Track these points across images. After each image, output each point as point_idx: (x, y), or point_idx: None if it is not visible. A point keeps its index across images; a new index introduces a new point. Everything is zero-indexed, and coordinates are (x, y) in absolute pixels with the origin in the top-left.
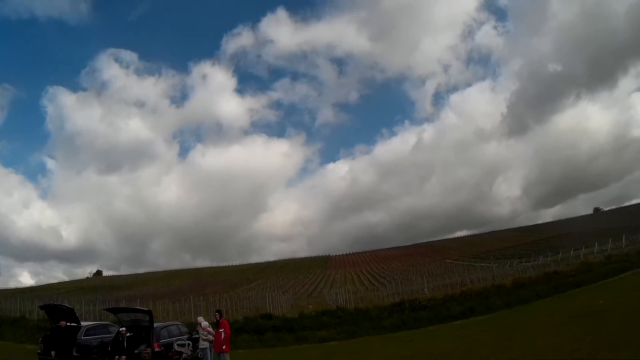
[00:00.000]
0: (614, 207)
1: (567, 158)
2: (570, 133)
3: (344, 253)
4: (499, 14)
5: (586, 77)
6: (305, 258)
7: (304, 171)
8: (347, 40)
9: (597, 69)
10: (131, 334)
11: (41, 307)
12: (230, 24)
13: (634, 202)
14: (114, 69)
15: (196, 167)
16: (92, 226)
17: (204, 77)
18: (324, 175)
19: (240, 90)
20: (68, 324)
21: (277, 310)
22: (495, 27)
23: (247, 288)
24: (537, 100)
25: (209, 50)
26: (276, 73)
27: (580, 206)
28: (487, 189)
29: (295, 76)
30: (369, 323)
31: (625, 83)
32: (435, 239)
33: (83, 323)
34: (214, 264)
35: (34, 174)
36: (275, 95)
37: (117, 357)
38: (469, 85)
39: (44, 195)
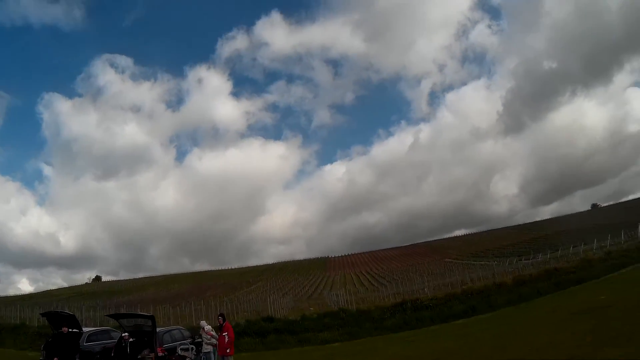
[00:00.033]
0: (611, 202)
1: (563, 155)
2: (566, 130)
3: (343, 254)
4: (493, 13)
5: (581, 73)
6: (304, 260)
7: (301, 173)
8: (342, 41)
9: (592, 65)
10: (134, 339)
11: (43, 315)
12: (225, 27)
13: (631, 197)
14: (110, 75)
15: (193, 171)
16: (90, 232)
17: (199, 81)
18: (321, 176)
19: (236, 94)
20: (70, 330)
21: (278, 312)
22: (489, 26)
23: (247, 291)
24: (533, 98)
25: (204, 54)
26: (271, 76)
27: (577, 203)
28: (484, 188)
29: (290, 78)
30: (371, 324)
31: (621, 79)
32: (433, 239)
33: (85, 329)
34: (213, 268)
35: (31, 181)
36: (271, 97)
37: None
38: (464, 84)
39: (42, 202)
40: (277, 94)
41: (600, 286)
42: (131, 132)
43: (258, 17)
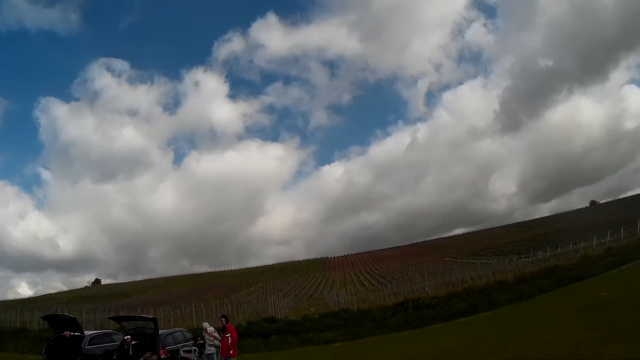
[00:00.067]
0: (610, 199)
1: (561, 153)
2: (563, 127)
3: (342, 254)
4: (489, 12)
5: (577, 71)
6: (304, 261)
7: (299, 174)
8: (338, 42)
9: (588, 62)
10: (136, 341)
11: (44, 318)
12: (221, 30)
13: (629, 194)
14: (106, 78)
15: (191, 173)
16: (89, 235)
17: (196, 83)
18: (320, 177)
19: (232, 96)
20: (72, 333)
21: (279, 313)
22: (485, 25)
23: (247, 292)
24: (529, 96)
25: (201, 56)
26: (268, 77)
27: (576, 200)
28: (482, 186)
29: (287, 80)
30: (373, 323)
31: (617, 76)
32: (432, 238)
33: (86, 332)
34: (213, 269)
35: (29, 185)
36: (268, 99)
37: None
38: (460, 83)
39: (40, 205)
40: (274, 95)
41: (601, 283)
42: (129, 136)
43: (254, 19)
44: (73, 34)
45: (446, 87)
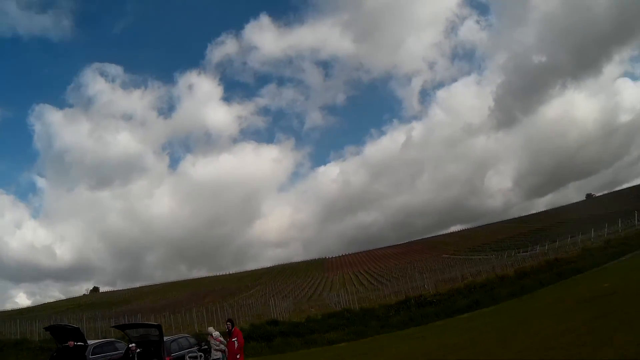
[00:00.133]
0: (606, 192)
1: (556, 147)
2: (558, 122)
3: (340, 254)
4: (481, 9)
5: (571, 66)
6: (302, 262)
7: (296, 175)
8: (332, 42)
9: (581, 57)
10: (141, 349)
11: (46, 329)
12: (214, 32)
13: (625, 186)
14: (100, 84)
15: (187, 177)
16: (86, 243)
17: (190, 87)
18: (316, 178)
19: (227, 99)
20: (75, 343)
21: (280, 315)
22: (477, 22)
23: (246, 295)
24: (524, 92)
25: (194, 59)
26: (262, 79)
27: (572, 194)
28: (478, 183)
29: (281, 81)
30: (376, 322)
31: (610, 70)
32: (430, 235)
33: (89, 342)
34: (211, 274)
35: (25, 193)
36: (262, 101)
37: None
38: (455, 80)
39: (36, 214)
40: (268, 97)
41: (602, 274)
42: (124, 141)
43: (247, 21)
44: (66, 39)
45: (440, 84)
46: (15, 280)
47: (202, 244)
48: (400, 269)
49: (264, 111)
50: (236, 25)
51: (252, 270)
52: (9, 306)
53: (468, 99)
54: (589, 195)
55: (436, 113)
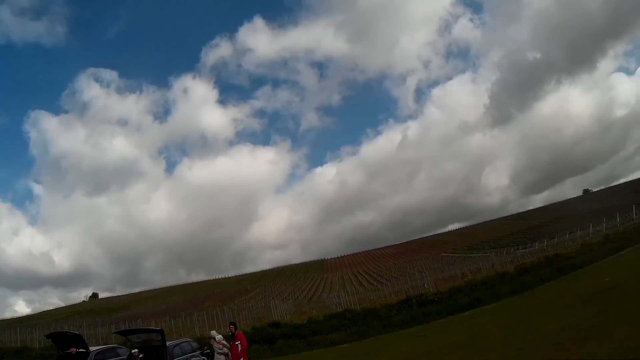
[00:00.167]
0: (602, 187)
1: (552, 143)
2: (553, 118)
3: (339, 255)
4: (474, 6)
5: (565, 61)
6: (301, 264)
7: (292, 177)
8: (326, 43)
9: (575, 53)
10: (144, 355)
11: (48, 336)
12: (208, 35)
13: (621, 181)
14: (95, 89)
15: (184, 181)
16: (84, 249)
17: (185, 90)
18: (313, 179)
19: (222, 101)
20: (78, 350)
21: (281, 317)
22: (471, 20)
23: (246, 298)
24: (519, 89)
25: (189, 63)
26: (257, 81)
27: (569, 190)
28: (475, 181)
29: (276, 83)
30: (378, 322)
31: (605, 64)
32: (428, 234)
33: (91, 348)
34: (210, 277)
35: (22, 200)
36: (257, 103)
37: None
38: (449, 79)
39: (33, 221)
40: (263, 99)
41: (602, 269)
42: (120, 146)
43: (241, 24)
44: (60, 45)
45: (435, 83)
46: (14, 287)
47: (200, 248)
48: (399, 268)
49: (260, 113)
50: (230, 28)
51: (251, 273)
52: (8, 314)
53: (463, 97)
54: (586, 191)
55: (432, 112)
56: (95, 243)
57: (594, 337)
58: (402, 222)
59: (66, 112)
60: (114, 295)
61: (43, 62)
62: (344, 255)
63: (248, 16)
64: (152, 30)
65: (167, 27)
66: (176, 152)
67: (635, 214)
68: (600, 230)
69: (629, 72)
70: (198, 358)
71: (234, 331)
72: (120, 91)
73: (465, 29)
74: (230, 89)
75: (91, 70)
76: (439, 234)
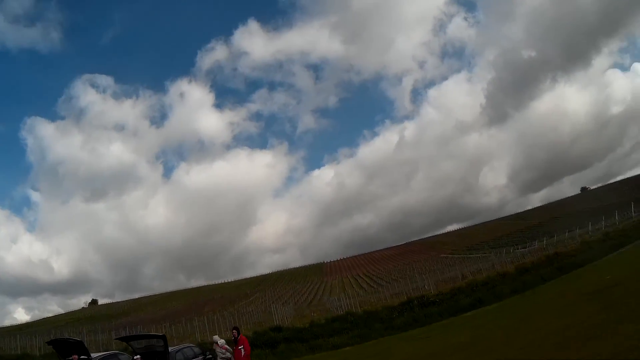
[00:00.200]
0: (600, 185)
1: (549, 142)
2: (550, 117)
3: (338, 258)
4: (468, 6)
5: (560, 59)
6: (300, 267)
7: (290, 180)
8: (321, 45)
9: (570, 50)
10: None
11: (49, 343)
12: (203, 39)
13: (619, 178)
14: (91, 95)
15: (182, 186)
16: (82, 255)
17: (181, 95)
18: (310, 182)
19: (218, 105)
20: (79, 357)
21: (282, 321)
22: (465, 19)
23: (246, 303)
24: (514, 88)
25: (184, 67)
26: (253, 84)
27: (567, 188)
28: (473, 181)
29: (272, 86)
30: (380, 324)
31: (600, 61)
32: (427, 236)
33: (92, 355)
34: (209, 282)
35: (20, 207)
36: (254, 106)
37: None
38: (445, 78)
39: (32, 228)
40: (259, 102)
41: (603, 267)
42: (117, 152)
43: (235, 27)
44: (55, 51)
45: (431, 83)
46: (13, 295)
47: (199, 253)
48: (399, 270)
49: (256, 116)
50: (225, 31)
51: (250, 278)
52: (7, 322)
53: (459, 96)
54: (583, 189)
55: (428, 112)
56: (93, 249)
57: (596, 336)
58: (400, 223)
59: (62, 118)
60: (114, 301)
61: (38, 68)
62: (343, 258)
63: (243, 19)
64: (147, 35)
65: (162, 31)
66: (173, 156)
67: (634, 211)
68: (600, 229)
69: (624, 69)
70: None
71: (237, 336)
72: (116, 96)
73: (459, 28)
74: (226, 93)
75: (87, 76)
76: (437, 235)
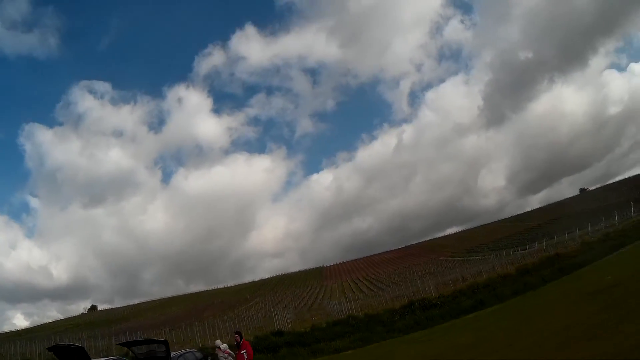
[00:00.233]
0: (599, 185)
1: (547, 143)
2: (547, 118)
3: (338, 262)
4: (465, 8)
5: (557, 60)
6: (300, 272)
7: (289, 185)
8: (318, 49)
9: (567, 51)
10: None
11: (49, 349)
12: (201, 44)
13: (617, 179)
14: (89, 101)
15: (180, 191)
16: (81, 261)
17: (179, 100)
18: (309, 186)
19: (216, 110)
20: None
21: (283, 326)
22: (462, 21)
23: (246, 307)
24: (512, 89)
25: (182, 73)
26: (251, 89)
27: (565, 189)
28: (472, 183)
29: (270, 90)
30: (382, 327)
31: (596, 62)
32: (427, 239)
33: None
34: (209, 287)
35: (18, 213)
36: (252, 111)
37: None
38: (442, 81)
39: (30, 234)
40: (257, 107)
41: (603, 267)
42: (115, 157)
43: (233, 32)
44: (52, 57)
45: (428, 86)
46: (12, 301)
47: (198, 258)
48: (399, 273)
49: (254, 121)
50: (222, 36)
51: (250, 282)
52: (6, 328)
53: (457, 98)
54: (582, 190)
55: (426, 115)
56: (93, 255)
57: (598, 336)
58: (399, 226)
59: (61, 124)
60: (113, 307)
61: (36, 74)
62: (343, 262)
63: (240, 24)
64: (144, 41)
65: (159, 37)
66: (172, 162)
67: (633, 211)
68: (599, 229)
69: (621, 69)
70: None
71: (239, 340)
72: (114, 102)
73: (456, 30)
74: (224, 98)
75: (84, 82)
76: (437, 238)
